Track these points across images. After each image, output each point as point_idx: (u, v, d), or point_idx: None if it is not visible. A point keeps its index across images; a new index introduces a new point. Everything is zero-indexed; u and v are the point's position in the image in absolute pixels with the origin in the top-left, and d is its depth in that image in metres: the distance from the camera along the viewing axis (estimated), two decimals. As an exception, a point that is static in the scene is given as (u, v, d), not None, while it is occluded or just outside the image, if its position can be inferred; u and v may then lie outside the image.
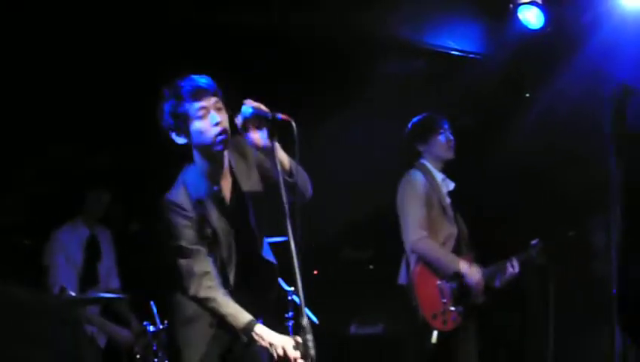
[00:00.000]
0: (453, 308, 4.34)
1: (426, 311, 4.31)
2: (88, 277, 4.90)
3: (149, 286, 4.76)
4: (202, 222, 3.07)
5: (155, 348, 4.37)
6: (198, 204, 3.06)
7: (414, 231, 4.36)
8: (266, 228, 3.25)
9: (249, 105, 2.79)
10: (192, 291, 3.08)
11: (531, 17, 5.24)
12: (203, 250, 3.09)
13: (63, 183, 5.08)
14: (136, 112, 5.02)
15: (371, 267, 5.85)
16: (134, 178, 5.30)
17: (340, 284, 5.54)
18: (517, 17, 5.23)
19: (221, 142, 2.98)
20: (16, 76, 4.65)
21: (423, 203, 4.40)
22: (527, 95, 5.77)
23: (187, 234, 3.05)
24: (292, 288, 4.50)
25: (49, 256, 4.79)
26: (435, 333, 4.26)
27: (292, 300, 4.57)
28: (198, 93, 2.95)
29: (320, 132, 5.16)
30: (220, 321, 3.12)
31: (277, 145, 2.82)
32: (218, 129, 2.96)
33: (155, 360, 4.33)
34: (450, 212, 4.51)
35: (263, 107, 2.79)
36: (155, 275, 4.99)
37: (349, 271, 5.77)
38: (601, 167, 5.17)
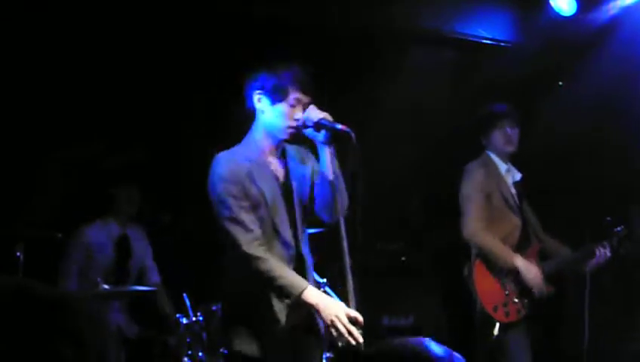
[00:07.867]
0: (517, 300, 4.28)
1: (487, 304, 4.27)
2: (120, 275, 4.91)
3: (182, 278, 4.77)
4: (248, 180, 3.11)
5: (188, 340, 4.37)
6: (247, 162, 3.15)
7: (470, 223, 4.36)
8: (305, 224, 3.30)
9: (316, 114, 3.06)
10: (244, 247, 3.04)
11: (563, 4, 5.19)
12: (250, 212, 3.09)
13: (95, 179, 5.10)
14: (162, 107, 5.07)
15: (403, 259, 5.82)
16: (163, 170, 5.32)
17: (372, 276, 5.50)
18: (549, 4, 5.19)
19: (289, 134, 3.17)
20: (43, 73, 4.69)
21: (481, 194, 4.39)
22: (560, 83, 5.70)
23: (232, 189, 3.08)
24: (324, 279, 4.48)
25: (67, 250, 4.83)
26: (497, 325, 4.21)
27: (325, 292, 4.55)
28: (305, 85, 3.15)
29: (352, 124, 5.12)
30: (268, 285, 3.07)
31: (332, 151, 3.14)
32: (295, 123, 3.14)
33: (189, 352, 4.33)
34: (514, 202, 4.47)
35: (328, 117, 3.06)
36: (187, 266, 5.01)
37: (382, 262, 5.74)
38: (637, 153, 5.11)
